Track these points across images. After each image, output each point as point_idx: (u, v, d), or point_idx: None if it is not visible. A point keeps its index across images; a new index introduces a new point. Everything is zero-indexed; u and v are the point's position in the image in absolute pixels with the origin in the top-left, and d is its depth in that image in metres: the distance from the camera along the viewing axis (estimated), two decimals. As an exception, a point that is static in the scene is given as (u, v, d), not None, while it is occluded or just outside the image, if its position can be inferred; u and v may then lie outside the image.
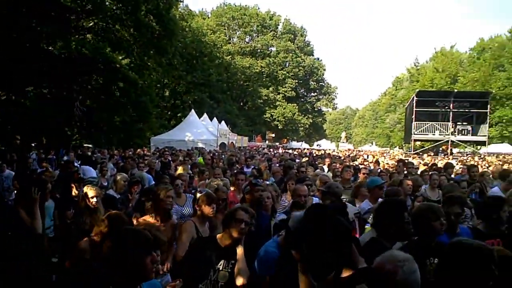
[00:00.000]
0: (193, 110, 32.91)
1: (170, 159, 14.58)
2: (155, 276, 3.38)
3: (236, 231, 3.77)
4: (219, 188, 5.80)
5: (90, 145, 26.84)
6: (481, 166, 16.53)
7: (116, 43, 27.41)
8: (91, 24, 27.32)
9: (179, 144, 25.72)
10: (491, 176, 9.96)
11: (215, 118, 35.34)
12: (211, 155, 16.79)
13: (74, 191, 6.59)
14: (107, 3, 26.10)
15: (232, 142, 34.12)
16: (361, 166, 12.58)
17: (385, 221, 3.60)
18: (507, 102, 51.73)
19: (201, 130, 29.89)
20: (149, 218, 4.85)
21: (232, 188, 7.37)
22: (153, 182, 8.93)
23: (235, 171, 8.64)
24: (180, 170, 9.03)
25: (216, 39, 56.09)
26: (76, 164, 12.25)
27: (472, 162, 19.00)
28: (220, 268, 3.72)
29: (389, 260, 2.34)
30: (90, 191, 5.21)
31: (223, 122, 35.15)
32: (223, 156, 17.79)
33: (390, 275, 2.26)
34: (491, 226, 4.40)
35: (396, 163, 13.05)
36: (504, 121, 51.13)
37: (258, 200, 5.37)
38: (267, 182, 7.99)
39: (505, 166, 14.75)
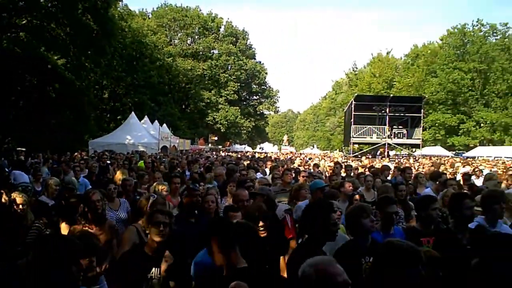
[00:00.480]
0: (133, 113, 32.11)
1: (109, 162, 14.17)
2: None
3: (156, 234, 3.75)
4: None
5: (24, 149, 25.57)
6: (415, 168, 17.24)
7: (51, 42, 26.28)
8: (24, 21, 26.05)
9: (119, 148, 24.99)
10: (424, 177, 10.40)
11: (156, 121, 34.69)
12: (152, 158, 16.47)
13: (4, 198, 6.25)
14: (41, 0, 25.03)
15: (174, 145, 33.63)
16: (301, 169, 12.73)
17: (312, 222, 3.64)
18: (439, 106, 54.42)
19: (142, 133, 29.22)
20: (79, 226, 4.67)
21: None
22: (90, 187, 8.63)
23: (171, 174, 8.50)
24: (118, 174, 8.78)
25: (157, 41, 55.22)
26: (6, 169, 11.60)
27: (407, 165, 19.74)
28: (153, 276, 3.67)
29: (325, 262, 2.36)
30: (17, 197, 5.02)
31: (164, 125, 34.56)
32: (164, 159, 17.49)
33: (308, 278, 2.26)
34: (424, 224, 4.58)
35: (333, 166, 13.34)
36: (436, 124, 53.73)
37: (195, 205, 5.31)
38: (209, 186, 7.94)
39: (441, 168, 15.44)
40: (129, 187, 7.27)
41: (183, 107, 62.32)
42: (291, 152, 54.27)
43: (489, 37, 53.89)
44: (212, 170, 10.57)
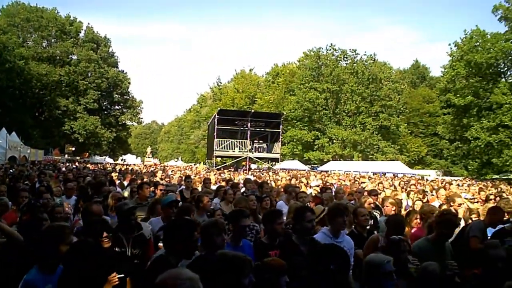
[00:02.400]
0: (-24, 119, 28.83)
1: None
2: None
3: None
4: None
5: None
6: (274, 182, 17.96)
7: None
8: None
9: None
10: (280, 191, 10.86)
11: (4, 129, 31.47)
12: (-5, 170, 14.86)
13: None
14: None
15: (24, 156, 30.90)
16: (160, 182, 12.47)
17: (174, 239, 3.60)
18: (297, 123, 57.75)
19: (-16, 142, 26.34)
20: None
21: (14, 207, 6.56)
22: None
23: (20, 188, 7.71)
24: None
25: (7, 41, 50.30)
26: None
27: (267, 178, 20.49)
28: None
29: (172, 277, 2.30)
30: None
31: (13, 133, 31.55)
32: (11, 171, 15.89)
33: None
34: (270, 238, 4.71)
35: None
36: (294, 140, 56.88)
37: (38, 221, 4.85)
38: (57, 200, 7.38)
39: (293, 181, 16.28)
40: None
41: (37, 114, 57.50)
42: (154, 164, 53.21)
43: (340, 61, 58.82)
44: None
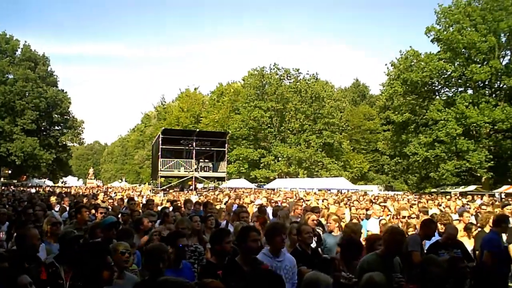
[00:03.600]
0: None
1: None
2: None
3: None
4: None
5: None
6: (221, 201, 17.82)
7: None
8: None
9: None
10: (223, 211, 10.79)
11: None
12: None
13: None
14: None
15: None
16: (102, 205, 12.04)
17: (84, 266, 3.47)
18: (242, 141, 57.92)
19: None
20: None
21: None
22: None
23: None
24: None
25: None
26: None
27: (213, 197, 20.32)
28: None
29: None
30: None
31: None
32: None
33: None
34: (218, 258, 4.61)
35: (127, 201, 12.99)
36: (240, 158, 56.93)
37: None
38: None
39: (237, 200, 16.22)
40: None
41: (-31, 135, 54.55)
42: (97, 186, 51.68)
43: (284, 80, 59.78)
44: None
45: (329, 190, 35.00)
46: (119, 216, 9.06)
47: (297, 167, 54.57)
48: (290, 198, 19.57)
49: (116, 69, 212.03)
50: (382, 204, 12.92)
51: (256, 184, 50.17)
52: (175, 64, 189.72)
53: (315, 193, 25.82)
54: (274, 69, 59.32)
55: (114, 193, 27.64)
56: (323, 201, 15.12)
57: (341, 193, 31.17)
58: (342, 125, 59.24)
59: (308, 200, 16.41)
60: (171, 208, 10.51)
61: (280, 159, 55.59)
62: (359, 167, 59.67)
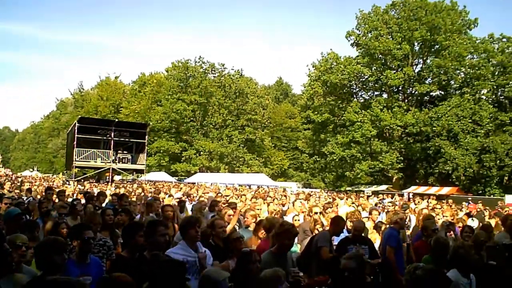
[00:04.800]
0: None
1: None
2: None
3: None
4: None
5: None
6: (139, 194, 17.37)
7: None
8: None
9: None
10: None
11: None
12: None
13: None
14: None
15: None
16: (9, 194, 11.28)
17: None
18: (163, 134, 56.91)
19: None
20: None
21: None
22: None
23: None
24: None
25: None
26: None
27: (130, 190, 19.79)
28: None
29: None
30: None
31: None
32: None
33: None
34: (130, 252, 4.52)
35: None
36: (161, 151, 55.91)
37: None
38: None
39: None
40: None
41: None
42: (5, 175, 48.49)
43: (208, 74, 59.40)
44: None
45: (250, 186, 35.32)
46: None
47: (218, 162, 54.56)
48: (208, 193, 19.46)
49: (31, 52, 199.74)
50: (302, 200, 13.16)
51: (177, 178, 49.53)
52: (95, 50, 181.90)
53: (235, 189, 25.92)
54: (199, 62, 58.74)
55: (30, 183, 25.92)
56: (241, 197, 15.21)
57: (261, 188, 31.54)
58: (264, 122, 60.03)
59: (228, 195, 16.43)
60: (83, 200, 10.10)
61: (201, 153, 55.25)
62: (280, 164, 60.81)
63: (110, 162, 38.20)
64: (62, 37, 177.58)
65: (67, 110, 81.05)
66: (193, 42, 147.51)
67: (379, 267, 6.25)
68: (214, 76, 59.51)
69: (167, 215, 7.50)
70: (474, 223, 10.79)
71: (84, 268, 4.12)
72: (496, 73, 39.14)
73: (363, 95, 47.80)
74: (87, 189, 19.28)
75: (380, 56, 42.13)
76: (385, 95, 44.22)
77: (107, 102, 64.89)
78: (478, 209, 16.55)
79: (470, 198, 24.33)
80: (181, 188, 24.56)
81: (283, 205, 12.04)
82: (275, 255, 4.81)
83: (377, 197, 24.15)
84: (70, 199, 11.13)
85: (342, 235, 6.81)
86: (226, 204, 9.38)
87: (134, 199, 12.10)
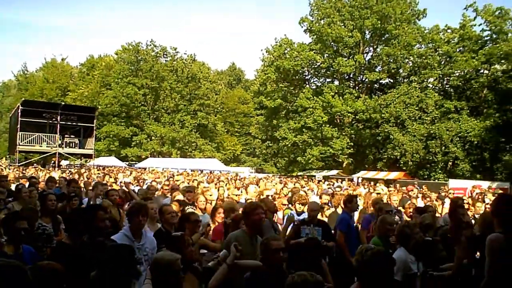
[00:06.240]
0: None
1: None
2: None
3: None
4: None
5: None
6: (83, 177, 16.87)
7: None
8: None
9: None
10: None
11: None
12: None
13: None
14: None
15: None
16: None
17: None
18: (113, 118, 55.51)
19: None
20: None
21: None
22: None
23: None
24: None
25: None
26: None
27: (76, 175, 19.16)
28: None
29: None
30: None
31: None
32: None
33: None
34: (72, 238, 4.31)
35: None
36: (111, 136, 54.58)
37: None
38: None
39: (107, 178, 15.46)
40: None
41: None
42: None
43: (160, 58, 58.28)
44: None
45: (202, 171, 35.10)
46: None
47: (170, 147, 53.98)
48: (159, 178, 19.14)
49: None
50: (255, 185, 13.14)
51: (127, 163, 48.55)
52: (40, 31, 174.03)
53: (187, 174, 25.64)
54: (150, 45, 57.47)
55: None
56: (192, 182, 15.03)
57: (213, 174, 31.39)
58: (217, 107, 59.75)
59: (178, 180, 16.18)
60: (27, 185, 9.70)
61: (153, 138, 54.44)
62: (232, 149, 60.86)
63: (56, 147, 36.80)
64: (4, 16, 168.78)
65: (10, 92, 77.48)
66: (144, 25, 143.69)
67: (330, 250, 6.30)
68: (166, 60, 58.59)
69: (112, 200, 7.26)
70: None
71: (17, 257, 3.89)
72: (442, 63, 40.45)
73: (315, 82, 48.32)
74: (32, 174, 18.50)
75: (332, 43, 42.53)
76: (336, 82, 44.78)
77: (53, 85, 62.45)
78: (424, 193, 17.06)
79: (416, 183, 25.12)
80: (131, 173, 24.13)
81: (238, 189, 11.96)
82: (247, 234, 4.65)
83: (328, 182, 24.53)
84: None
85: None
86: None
87: (82, 184, 11.70)
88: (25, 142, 36.25)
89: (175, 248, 3.80)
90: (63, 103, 42.09)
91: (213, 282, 3.67)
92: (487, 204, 10.49)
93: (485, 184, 26.02)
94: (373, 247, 3.52)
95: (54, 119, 37.32)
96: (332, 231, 7.39)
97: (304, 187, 14.88)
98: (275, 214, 7.27)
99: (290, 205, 8.27)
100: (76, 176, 15.90)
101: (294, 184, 16.12)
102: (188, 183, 13.66)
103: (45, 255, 4.86)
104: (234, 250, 3.80)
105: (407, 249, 4.88)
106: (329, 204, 9.25)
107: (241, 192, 11.46)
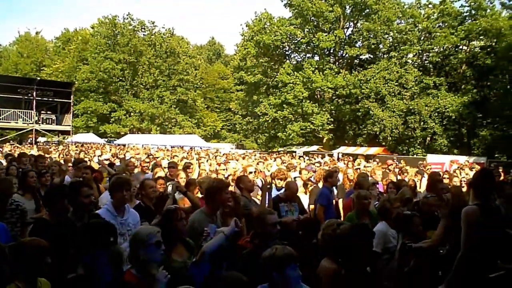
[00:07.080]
0: None
1: None
2: None
3: None
4: None
5: None
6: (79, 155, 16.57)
7: None
8: None
9: None
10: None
11: None
12: None
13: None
14: None
15: None
16: None
17: None
18: (91, 94, 54.53)
19: None
20: None
21: None
22: None
23: None
24: None
25: None
26: None
27: (54, 154, 18.83)
28: None
29: None
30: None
31: None
32: None
33: None
34: (54, 215, 4.23)
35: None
36: (89, 112, 53.69)
37: None
38: None
39: (82, 155, 15.21)
40: None
41: None
42: None
43: (138, 32, 57.07)
44: None
45: (182, 147, 34.91)
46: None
47: (149, 123, 53.47)
48: (139, 154, 18.98)
49: None
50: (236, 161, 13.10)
51: (106, 140, 47.99)
52: (12, 3, 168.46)
53: (167, 150, 25.49)
54: (127, 19, 56.16)
55: None
56: (173, 157, 14.95)
57: (193, 150, 31.25)
58: (196, 82, 59.12)
59: (158, 157, 16.07)
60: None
61: (132, 114, 53.73)
62: (213, 125, 60.64)
63: (33, 123, 36.19)
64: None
65: (-17, 67, 75.37)
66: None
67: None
68: (144, 34, 57.38)
69: (85, 178, 7.09)
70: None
71: None
72: (422, 38, 40.61)
73: (296, 57, 48.14)
74: (9, 151, 18.12)
75: (313, 18, 42.25)
76: (317, 57, 44.65)
77: (28, 59, 60.87)
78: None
79: (395, 158, 25.43)
80: (110, 149, 23.89)
81: (219, 165, 11.93)
82: (207, 214, 4.60)
83: (309, 157, 24.69)
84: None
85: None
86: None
87: (62, 161, 11.47)
88: (1, 119, 35.56)
89: (167, 220, 3.79)
90: (38, 78, 41.16)
91: (208, 245, 3.70)
92: (463, 177, 10.69)
93: (462, 159, 26.56)
94: (340, 221, 3.54)
95: (29, 95, 36.61)
96: (312, 205, 7.55)
97: (285, 163, 14.93)
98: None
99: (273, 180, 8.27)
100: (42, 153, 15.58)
101: (275, 160, 16.13)
102: (170, 159, 13.60)
103: (19, 232, 4.81)
104: (234, 225, 3.86)
105: (388, 223, 4.96)
106: (312, 179, 9.31)
107: (225, 168, 11.42)
